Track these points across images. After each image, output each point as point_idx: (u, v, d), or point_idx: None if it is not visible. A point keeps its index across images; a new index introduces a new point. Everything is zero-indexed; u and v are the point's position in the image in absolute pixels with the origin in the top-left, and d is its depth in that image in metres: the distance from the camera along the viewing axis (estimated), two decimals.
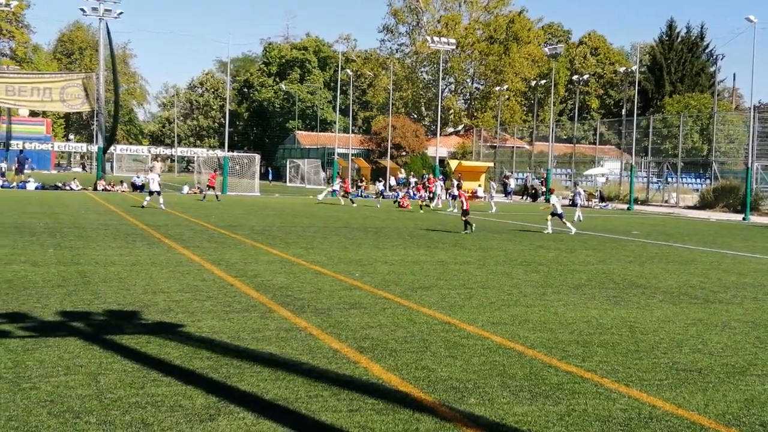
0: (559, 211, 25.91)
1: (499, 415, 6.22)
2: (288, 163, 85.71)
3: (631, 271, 15.92)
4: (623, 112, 77.48)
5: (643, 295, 12.70)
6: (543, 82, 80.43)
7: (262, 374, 7.08)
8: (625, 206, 50.97)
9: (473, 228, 24.17)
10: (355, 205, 40.42)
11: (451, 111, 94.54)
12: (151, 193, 32.08)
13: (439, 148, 66.35)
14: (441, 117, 69.80)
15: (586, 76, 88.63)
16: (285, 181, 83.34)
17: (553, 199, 26.47)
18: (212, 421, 5.79)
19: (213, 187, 40.52)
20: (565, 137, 78.80)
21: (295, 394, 6.54)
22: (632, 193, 51.59)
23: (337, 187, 44.15)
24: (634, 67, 64.49)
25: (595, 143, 72.68)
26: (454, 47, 67.02)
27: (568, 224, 26.02)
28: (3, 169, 49.78)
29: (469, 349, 8.34)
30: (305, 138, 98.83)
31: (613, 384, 7.21)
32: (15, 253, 14.92)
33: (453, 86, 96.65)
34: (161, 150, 79.98)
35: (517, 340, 8.91)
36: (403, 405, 6.35)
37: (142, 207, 30.75)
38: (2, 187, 45.40)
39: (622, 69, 79.77)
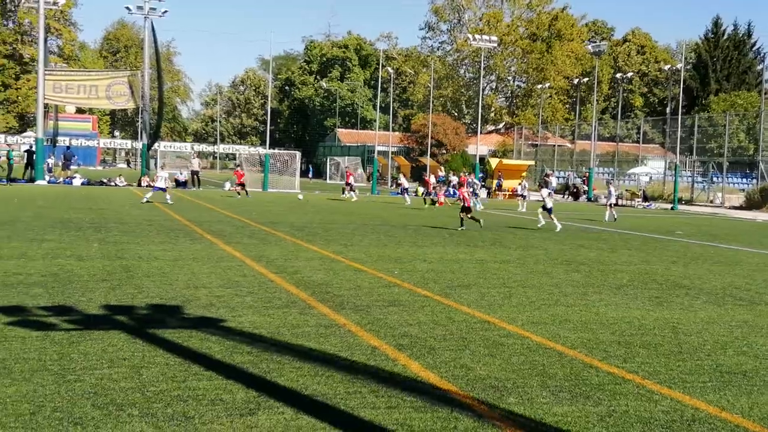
0: (549, 205, 25.61)
1: (538, 414, 6.17)
2: (328, 160, 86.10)
3: (674, 272, 15.68)
4: (668, 110, 76.29)
5: (686, 296, 12.50)
6: (586, 79, 79.55)
7: (302, 370, 7.12)
8: (669, 206, 50.19)
9: (464, 226, 23.87)
10: (355, 199, 40.57)
11: (492, 109, 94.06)
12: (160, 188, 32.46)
13: (480, 146, 66.05)
14: (482, 115, 69.46)
15: (629, 74, 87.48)
16: (325, 179, 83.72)
17: (543, 192, 26.26)
18: (252, 416, 5.84)
19: (242, 185, 40.81)
20: (607, 135, 77.87)
21: (333, 390, 6.58)
22: (676, 193, 50.79)
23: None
24: (679, 65, 63.45)
25: (638, 142, 71.69)
26: (495, 45, 66.61)
27: (555, 220, 25.44)
28: (50, 165, 50.78)
29: (508, 348, 8.29)
30: (346, 136, 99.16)
31: (656, 385, 7.11)
32: (61, 247, 15.23)
33: (494, 84, 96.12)
34: (204, 147, 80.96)
35: (558, 339, 8.84)
36: (442, 403, 6.35)
37: (142, 202, 30.97)
38: (49, 182, 46.34)
39: (666, 67, 78.54)
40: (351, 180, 43.22)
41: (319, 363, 7.39)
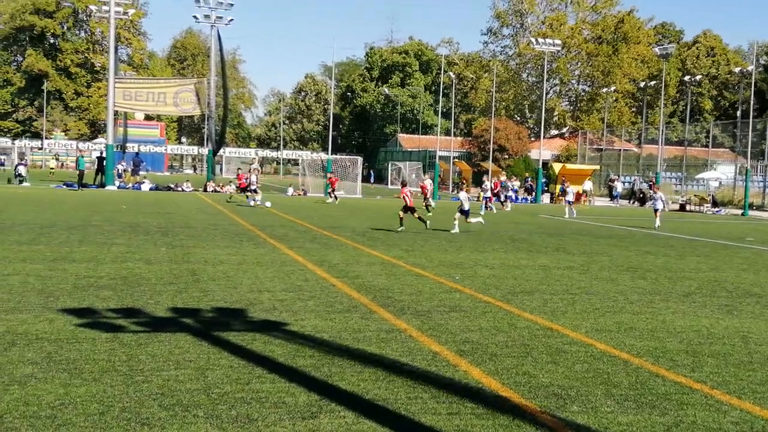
0: (466, 207, 24.07)
1: (602, 424, 6.07)
2: (389, 165, 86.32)
3: (744, 279, 15.23)
4: (738, 113, 74.19)
5: (757, 305, 12.12)
6: (653, 83, 77.93)
7: (363, 374, 7.16)
8: (740, 212, 48.76)
9: (403, 226, 23.10)
10: (337, 201, 40.45)
11: (556, 113, 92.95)
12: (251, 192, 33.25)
13: (543, 150, 65.35)
14: (545, 119, 68.72)
15: (698, 77, 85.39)
16: (386, 184, 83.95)
17: (462, 195, 24.75)
18: (314, 419, 5.89)
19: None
20: (675, 140, 76.16)
21: (394, 395, 6.59)
22: (747, 198, 49.30)
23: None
24: (751, 67, 61.65)
25: (707, 146, 69.89)
26: (559, 48, 65.87)
27: (473, 220, 24.42)
28: (120, 171, 52.18)
29: (571, 356, 8.18)
30: (407, 141, 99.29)
31: (724, 396, 6.91)
32: (130, 251, 15.63)
33: (557, 88, 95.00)
34: (267, 153, 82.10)
35: (623, 347, 8.68)
36: (503, 410, 6.29)
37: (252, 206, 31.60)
38: (119, 187, 47.62)
39: (737, 69, 76.40)
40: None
41: (380, 367, 7.41)
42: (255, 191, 33.23)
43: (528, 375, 7.36)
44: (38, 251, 14.92)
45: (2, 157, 69.49)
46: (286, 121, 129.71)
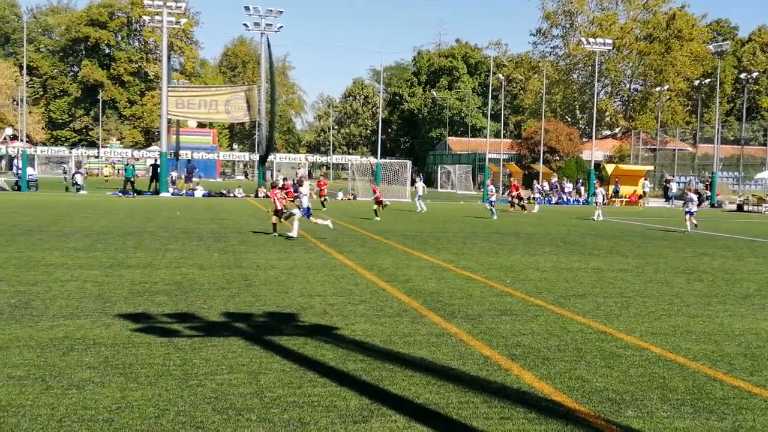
0: (305, 204, 21.16)
1: (659, 429, 5.96)
2: (439, 169, 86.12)
3: None
4: None
5: None
6: (707, 81, 76.35)
7: (414, 378, 7.15)
8: None
9: (276, 232, 21.49)
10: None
11: (607, 113, 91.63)
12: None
13: (595, 151, 64.50)
14: (596, 119, 67.77)
15: (755, 74, 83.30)
16: (436, 187, 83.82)
17: (303, 190, 21.50)
18: (365, 423, 5.91)
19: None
20: (732, 138, 74.41)
21: (446, 399, 6.56)
22: None
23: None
24: None
25: (765, 144, 68.12)
26: (610, 48, 64.90)
27: (319, 221, 21.61)
28: (174, 178, 53.06)
29: (626, 360, 8.05)
30: (456, 144, 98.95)
31: None
32: (184, 256, 15.88)
33: (609, 88, 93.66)
34: (317, 158, 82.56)
35: (679, 351, 8.51)
36: (556, 415, 6.22)
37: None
38: (173, 194, 48.44)
39: None
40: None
41: (431, 372, 7.39)
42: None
43: (581, 379, 7.27)
44: (95, 258, 15.26)
45: (63, 166, 71.33)
46: (335, 126, 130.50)
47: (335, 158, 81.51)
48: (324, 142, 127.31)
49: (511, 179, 50.67)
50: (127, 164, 52.07)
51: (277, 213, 21.81)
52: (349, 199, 50.69)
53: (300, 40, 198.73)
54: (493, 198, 33.90)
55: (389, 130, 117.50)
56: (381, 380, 7.08)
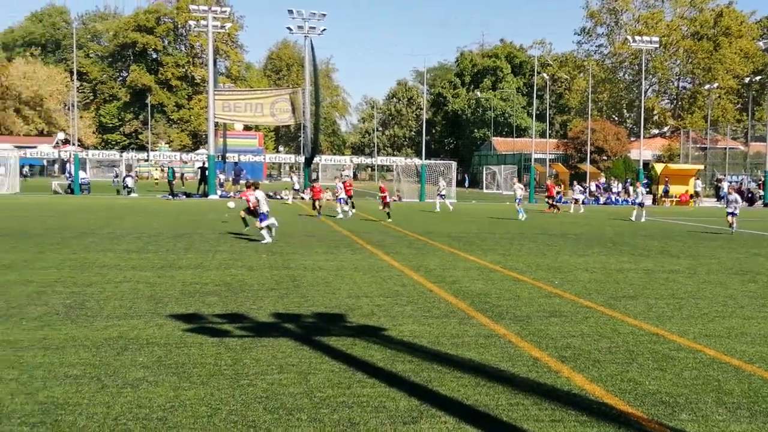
0: (263, 209, 20.13)
1: None
2: (484, 169, 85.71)
3: None
4: None
5: None
6: (758, 78, 74.62)
7: (463, 380, 7.13)
8: None
9: (248, 225, 21.07)
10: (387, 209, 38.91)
11: (655, 112, 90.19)
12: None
13: (643, 150, 63.53)
14: (644, 118, 66.69)
15: None
16: (481, 188, 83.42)
17: (257, 195, 20.65)
18: (415, 424, 5.91)
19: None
20: None
21: (495, 401, 6.53)
22: None
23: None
24: None
25: None
26: (656, 46, 63.84)
27: (264, 224, 20.32)
28: (221, 180, 53.71)
29: (679, 363, 7.91)
30: (501, 144, 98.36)
31: None
32: (233, 258, 16.07)
33: (656, 86, 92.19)
34: (362, 159, 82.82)
35: (734, 354, 8.33)
36: (608, 418, 6.15)
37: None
38: (221, 196, 49.02)
39: None
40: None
41: (480, 373, 7.36)
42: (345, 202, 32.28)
43: (634, 382, 7.17)
44: (147, 259, 15.53)
45: (115, 169, 72.73)
46: (379, 128, 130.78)
47: (380, 160, 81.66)
48: (368, 143, 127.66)
49: (546, 180, 50.09)
50: (170, 167, 52.95)
51: (251, 213, 21.24)
52: (395, 200, 50.72)
53: (343, 42, 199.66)
54: (520, 196, 33.60)
55: (433, 131, 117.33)
56: (430, 381, 7.07)
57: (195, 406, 6.22)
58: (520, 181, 40.93)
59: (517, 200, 33.49)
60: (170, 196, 46.07)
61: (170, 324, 9.27)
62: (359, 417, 6.04)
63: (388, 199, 30.65)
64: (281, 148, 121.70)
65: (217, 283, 12.49)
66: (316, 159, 56.80)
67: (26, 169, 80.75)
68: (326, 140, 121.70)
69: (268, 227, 19.84)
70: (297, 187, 48.55)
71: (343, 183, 31.85)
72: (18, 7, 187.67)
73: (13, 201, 38.90)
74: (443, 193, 39.03)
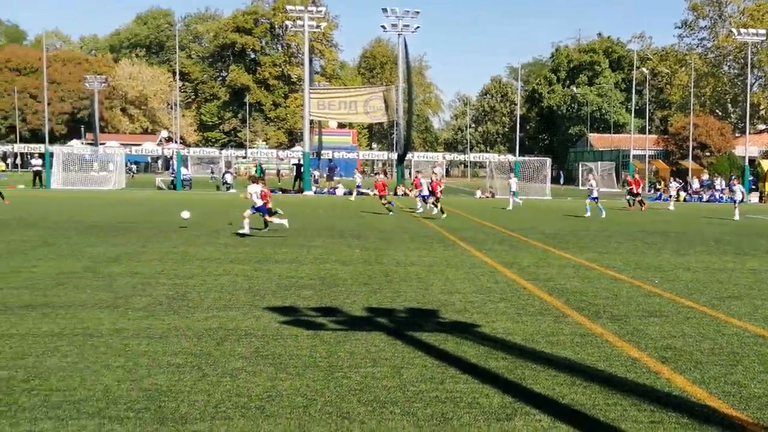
0: (258, 203, 19.83)
1: None
2: (580, 166, 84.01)
3: None
4: None
5: None
6: None
7: (558, 378, 7.02)
8: None
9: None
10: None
11: (762, 107, 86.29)
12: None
13: (749, 146, 60.89)
14: (749, 113, 63.92)
15: None
16: (577, 185, 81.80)
17: (251, 188, 20.25)
18: (509, 421, 5.86)
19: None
20: None
21: (592, 400, 6.40)
22: None
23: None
24: None
25: None
26: (763, 39, 61.06)
27: (275, 220, 20.37)
28: (316, 177, 54.60)
29: None
30: (598, 140, 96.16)
31: None
32: (327, 252, 16.30)
33: (762, 80, 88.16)
34: (454, 156, 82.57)
35: None
36: (711, 421, 5.94)
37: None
38: (315, 192, 49.84)
39: None
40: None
41: (576, 372, 7.23)
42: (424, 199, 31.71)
43: (738, 385, 6.90)
44: (245, 253, 15.94)
45: (211, 166, 74.78)
46: (472, 124, 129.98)
47: (473, 156, 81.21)
48: (461, 140, 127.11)
49: (627, 176, 48.59)
50: (258, 164, 54.21)
51: (268, 212, 20.90)
52: (488, 197, 50.36)
53: (437, 39, 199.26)
54: (595, 192, 32.65)
55: (527, 128, 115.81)
56: (524, 379, 7.00)
57: (291, 396, 6.35)
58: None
59: (591, 197, 32.25)
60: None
61: (267, 316, 9.49)
62: (452, 412, 6.03)
63: (438, 193, 29.71)
64: (374, 145, 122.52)
65: (312, 277, 12.70)
66: (408, 156, 56.94)
67: (134, 166, 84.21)
68: (419, 137, 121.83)
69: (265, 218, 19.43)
70: (359, 183, 48.87)
71: (431, 182, 31.35)
72: (125, 9, 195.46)
73: (120, 196, 40.61)
74: (515, 190, 38.43)
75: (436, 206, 28.86)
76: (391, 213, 29.64)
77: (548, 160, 57.16)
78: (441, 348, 8.05)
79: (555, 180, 75.92)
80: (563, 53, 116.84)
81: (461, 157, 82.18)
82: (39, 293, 10.73)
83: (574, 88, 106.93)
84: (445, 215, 27.91)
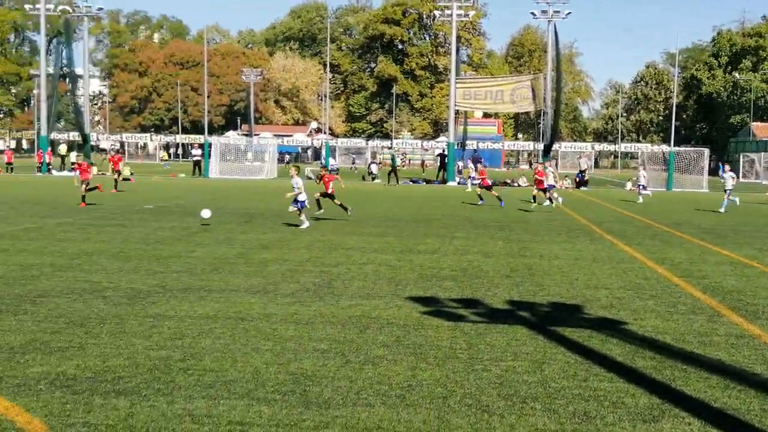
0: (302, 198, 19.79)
1: None
2: (741, 157, 79.20)
3: None
4: None
5: None
6: None
7: (710, 380, 6.70)
8: None
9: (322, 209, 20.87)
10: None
11: None
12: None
13: None
14: None
15: None
16: (738, 177, 77.20)
17: (294, 182, 20.22)
18: (656, 423, 5.66)
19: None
20: None
21: (747, 405, 6.07)
22: None
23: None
24: None
25: None
26: None
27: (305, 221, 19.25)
28: (460, 167, 54.43)
29: None
30: (761, 130, 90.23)
31: None
32: (469, 244, 16.28)
33: None
34: (604, 146, 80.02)
35: None
36: None
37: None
38: (459, 183, 49.73)
39: None
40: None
41: (730, 375, 6.87)
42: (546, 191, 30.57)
43: None
44: (388, 242, 16.18)
45: (352, 156, 76.30)
46: (624, 113, 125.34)
47: (623, 146, 78.44)
48: (612, 130, 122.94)
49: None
50: (393, 155, 54.76)
51: (326, 195, 22.17)
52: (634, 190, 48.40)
53: (588, 25, 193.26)
54: (643, 181, 30.84)
55: (684, 116, 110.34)
56: (673, 380, 6.72)
57: (431, 386, 6.41)
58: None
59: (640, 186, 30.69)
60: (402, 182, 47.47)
61: (408, 306, 9.61)
62: (595, 411, 5.89)
63: (488, 182, 29.84)
64: (520, 135, 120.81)
65: (454, 269, 12.72)
66: (555, 146, 55.76)
67: (288, 156, 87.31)
68: (566, 126, 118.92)
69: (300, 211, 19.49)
70: (473, 174, 48.14)
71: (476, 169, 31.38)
72: (281, 3, 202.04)
73: (271, 185, 42.21)
74: (643, 183, 36.37)
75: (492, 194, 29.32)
76: (502, 204, 28.85)
77: (706, 151, 54.29)
78: (585, 344, 7.87)
79: (713, 172, 71.98)
80: (725, 37, 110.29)
81: (611, 147, 79.41)
82: (196, 277, 11.37)
83: (737, 74, 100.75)
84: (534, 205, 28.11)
